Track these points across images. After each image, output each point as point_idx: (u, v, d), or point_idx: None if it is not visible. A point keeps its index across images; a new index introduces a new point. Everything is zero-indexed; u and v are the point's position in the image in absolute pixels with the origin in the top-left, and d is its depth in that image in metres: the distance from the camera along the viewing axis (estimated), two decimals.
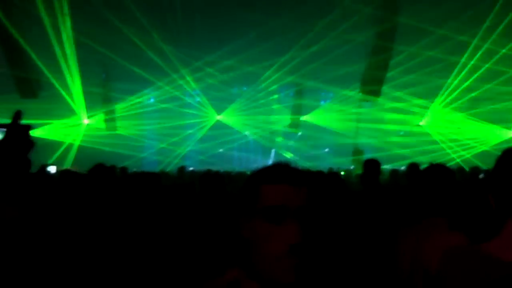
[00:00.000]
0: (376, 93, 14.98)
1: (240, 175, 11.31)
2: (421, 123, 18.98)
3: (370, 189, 5.15)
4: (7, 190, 1.12)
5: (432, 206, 1.91)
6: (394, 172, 8.74)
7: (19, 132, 1.16)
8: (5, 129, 1.15)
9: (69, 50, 14.68)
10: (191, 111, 20.52)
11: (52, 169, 4.98)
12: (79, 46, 14.37)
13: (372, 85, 14.59)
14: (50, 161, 14.86)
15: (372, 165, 5.20)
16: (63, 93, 15.37)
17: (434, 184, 1.98)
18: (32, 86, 13.14)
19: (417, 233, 1.85)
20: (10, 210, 1.10)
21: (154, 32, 14.82)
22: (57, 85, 15.22)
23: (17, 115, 1.16)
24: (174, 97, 19.24)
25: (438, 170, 2.07)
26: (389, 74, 14.88)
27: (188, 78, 18.35)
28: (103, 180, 2.95)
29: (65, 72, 15.31)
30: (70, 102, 16.48)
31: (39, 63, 13.11)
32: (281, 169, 1.18)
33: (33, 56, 12.83)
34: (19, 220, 1.12)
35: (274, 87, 19.59)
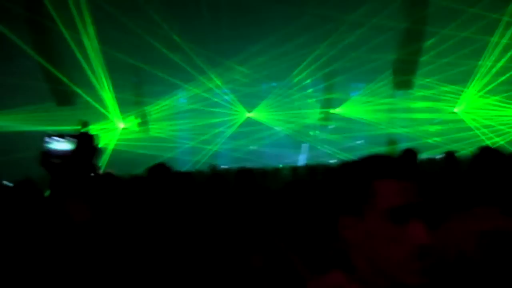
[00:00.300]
0: (408, 84, 14.67)
1: (275, 171, 11.38)
2: (455, 110, 18.54)
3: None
4: (79, 193, 1.20)
5: (484, 193, 1.79)
6: (430, 161, 8.62)
7: (86, 141, 1.24)
8: (75, 139, 1.24)
9: (95, 57, 15.03)
10: (221, 110, 20.70)
11: None
12: (107, 53, 14.66)
13: (403, 76, 14.28)
14: None
15: (409, 155, 5.17)
16: (90, 100, 15.65)
17: (489, 169, 1.84)
18: (68, 94, 13.54)
19: (467, 221, 1.80)
20: (85, 210, 1.19)
21: (181, 32, 14.98)
22: (83, 95, 15.56)
23: (85, 125, 1.25)
24: (204, 97, 19.47)
25: (492, 154, 1.94)
26: (422, 59, 14.51)
27: (217, 78, 18.51)
28: (164, 180, 3.00)
29: (93, 79, 15.72)
30: (100, 108, 16.87)
31: (58, 74, 13.35)
32: (394, 163, 1.08)
33: (50, 67, 13.07)
34: (92, 221, 1.20)
35: (304, 81, 19.55)
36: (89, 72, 15.45)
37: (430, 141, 17.78)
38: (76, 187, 1.14)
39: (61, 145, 1.14)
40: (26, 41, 12.55)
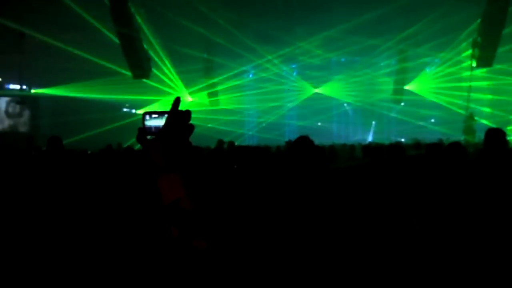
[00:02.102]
0: (489, 62, 13.73)
1: (343, 148, 11.24)
2: None
3: (492, 163, 4.81)
4: (174, 169, 1.27)
5: None
6: None
7: (180, 117, 1.27)
8: (169, 116, 1.28)
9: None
10: (289, 85, 20.67)
11: None
12: (182, 28, 14.92)
13: (484, 53, 13.37)
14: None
15: (497, 135, 4.82)
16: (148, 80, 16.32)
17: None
18: (144, 68, 14.04)
19: None
20: (179, 188, 1.25)
21: (249, 6, 14.85)
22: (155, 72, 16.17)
23: (177, 102, 1.26)
24: (272, 71, 19.48)
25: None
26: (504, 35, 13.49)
27: (286, 52, 18.35)
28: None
29: (161, 54, 16.34)
30: (159, 85, 17.42)
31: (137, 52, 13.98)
32: None
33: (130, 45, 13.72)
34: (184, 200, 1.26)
35: (376, 56, 18.92)
36: (158, 50, 16.12)
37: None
38: (171, 164, 1.19)
39: (156, 121, 1.19)
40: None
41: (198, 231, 1.21)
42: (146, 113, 1.35)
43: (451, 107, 18.03)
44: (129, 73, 14.57)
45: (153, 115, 1.34)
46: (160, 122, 1.32)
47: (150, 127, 1.34)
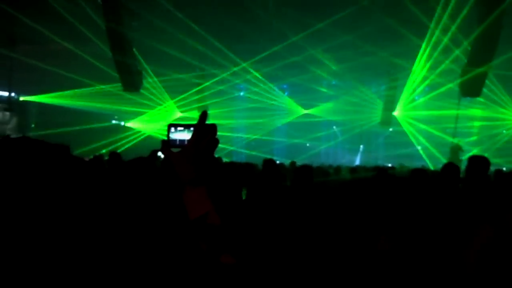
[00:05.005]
0: (477, 92, 13.89)
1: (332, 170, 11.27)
2: None
3: (473, 190, 4.76)
4: (199, 184, 1.23)
5: None
6: (498, 172, 8.17)
7: (207, 131, 1.25)
8: (196, 129, 1.26)
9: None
10: (279, 107, 20.73)
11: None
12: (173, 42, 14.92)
13: (472, 84, 13.52)
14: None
15: (479, 163, 4.79)
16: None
17: None
18: (135, 81, 14.02)
19: None
20: (205, 203, 1.22)
21: (243, 25, 14.87)
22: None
23: (204, 115, 1.24)
24: (262, 93, 19.56)
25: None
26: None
27: (276, 73, 18.44)
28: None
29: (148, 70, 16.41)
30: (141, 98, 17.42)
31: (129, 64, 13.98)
32: None
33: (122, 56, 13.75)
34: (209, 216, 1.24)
35: (366, 81, 19.09)
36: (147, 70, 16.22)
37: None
38: (197, 177, 1.17)
39: (181, 134, 1.15)
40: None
41: (227, 246, 1.20)
42: (171, 125, 1.33)
43: (439, 135, 18.21)
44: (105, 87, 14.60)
45: (178, 128, 1.32)
46: (185, 135, 1.30)
47: (174, 140, 1.32)
